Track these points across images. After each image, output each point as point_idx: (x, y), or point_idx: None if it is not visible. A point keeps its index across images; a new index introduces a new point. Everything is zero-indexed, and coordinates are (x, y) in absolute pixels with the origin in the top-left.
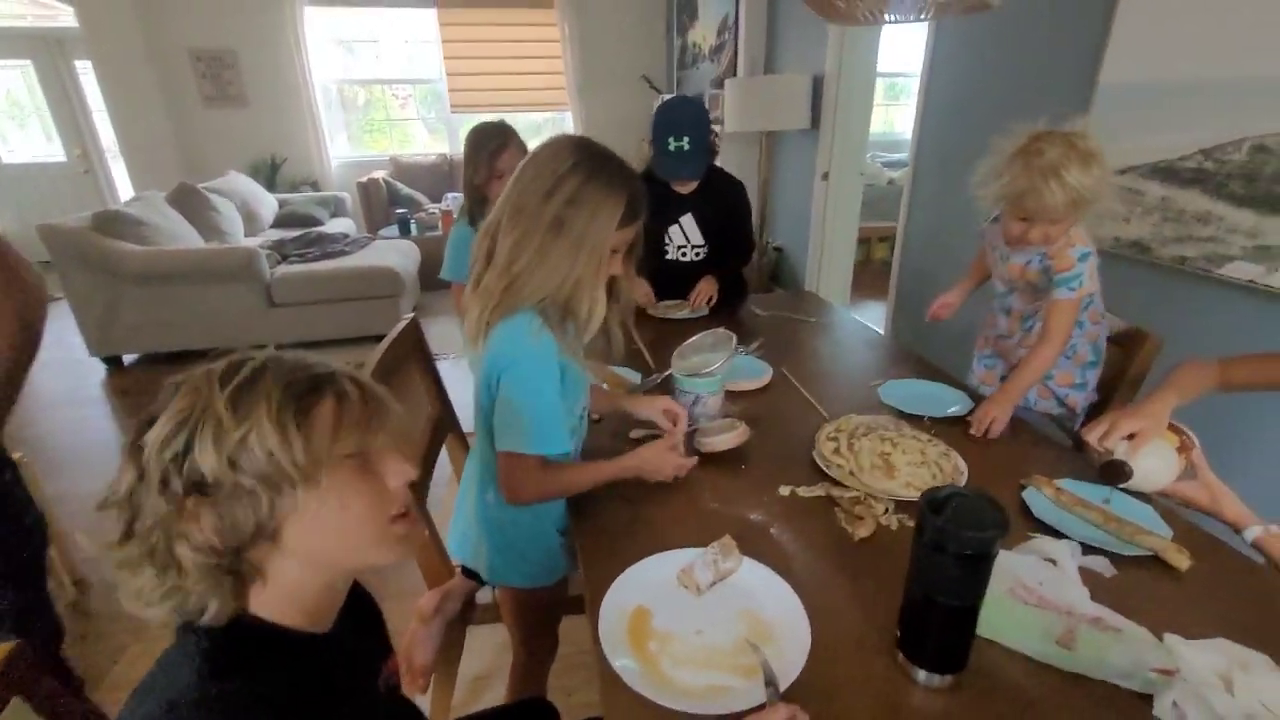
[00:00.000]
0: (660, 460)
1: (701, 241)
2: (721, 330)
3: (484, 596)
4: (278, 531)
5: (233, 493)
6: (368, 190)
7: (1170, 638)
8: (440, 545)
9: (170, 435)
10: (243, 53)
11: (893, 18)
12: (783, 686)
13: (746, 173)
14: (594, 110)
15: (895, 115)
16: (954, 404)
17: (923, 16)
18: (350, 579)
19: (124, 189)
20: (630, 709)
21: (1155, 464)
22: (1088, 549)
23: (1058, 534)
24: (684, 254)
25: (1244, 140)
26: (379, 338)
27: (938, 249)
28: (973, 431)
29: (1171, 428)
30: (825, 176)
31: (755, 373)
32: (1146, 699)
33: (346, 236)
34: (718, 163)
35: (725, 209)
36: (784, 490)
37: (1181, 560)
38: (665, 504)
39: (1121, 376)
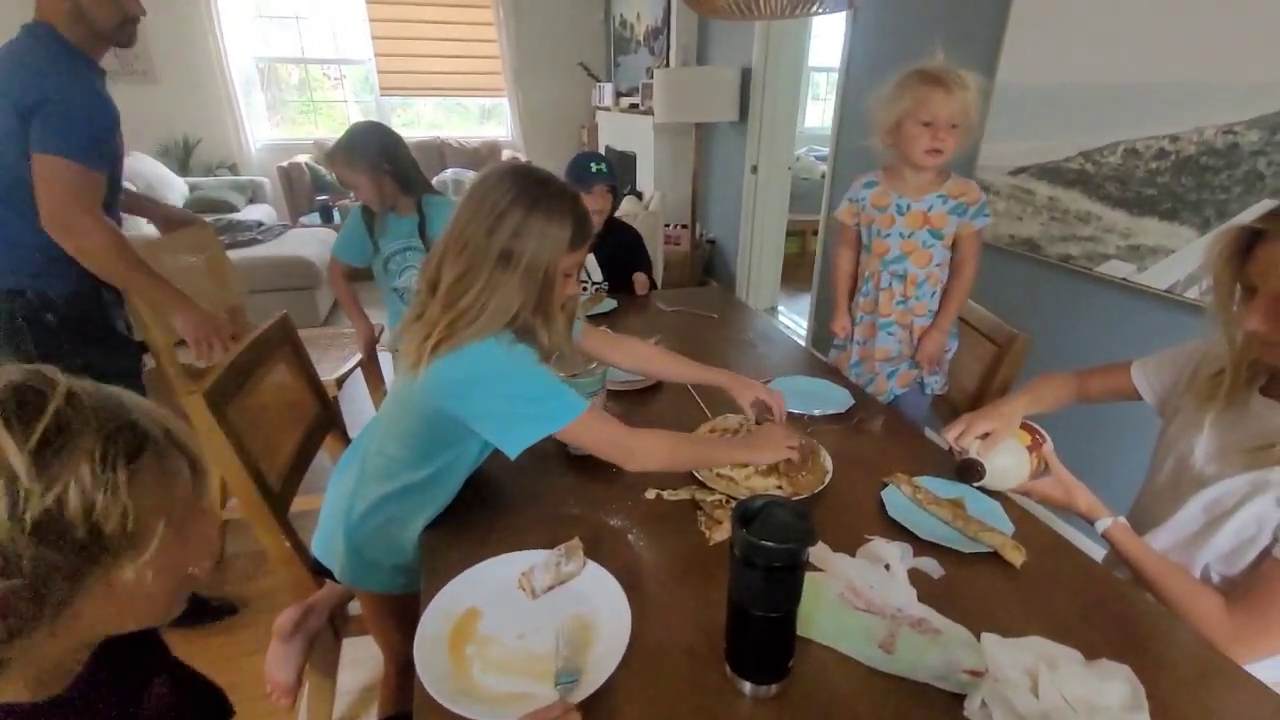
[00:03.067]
0: (770, 441)
1: (601, 279)
2: (604, 330)
3: (356, 606)
4: (63, 612)
5: (27, 568)
6: (289, 175)
7: (987, 637)
8: (307, 558)
9: None
10: (149, 23)
11: (802, 10)
12: (592, 688)
13: (678, 163)
14: (531, 97)
15: (829, 109)
16: (837, 401)
17: (821, 8)
18: None
19: None
20: (437, 710)
21: (1007, 461)
22: (925, 548)
23: (903, 529)
24: (584, 289)
25: (1118, 144)
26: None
27: None
28: (925, 369)
29: (1025, 427)
30: (755, 169)
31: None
32: (961, 699)
33: (260, 224)
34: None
35: (624, 254)
36: (650, 494)
37: (1017, 556)
38: (524, 509)
39: (994, 376)
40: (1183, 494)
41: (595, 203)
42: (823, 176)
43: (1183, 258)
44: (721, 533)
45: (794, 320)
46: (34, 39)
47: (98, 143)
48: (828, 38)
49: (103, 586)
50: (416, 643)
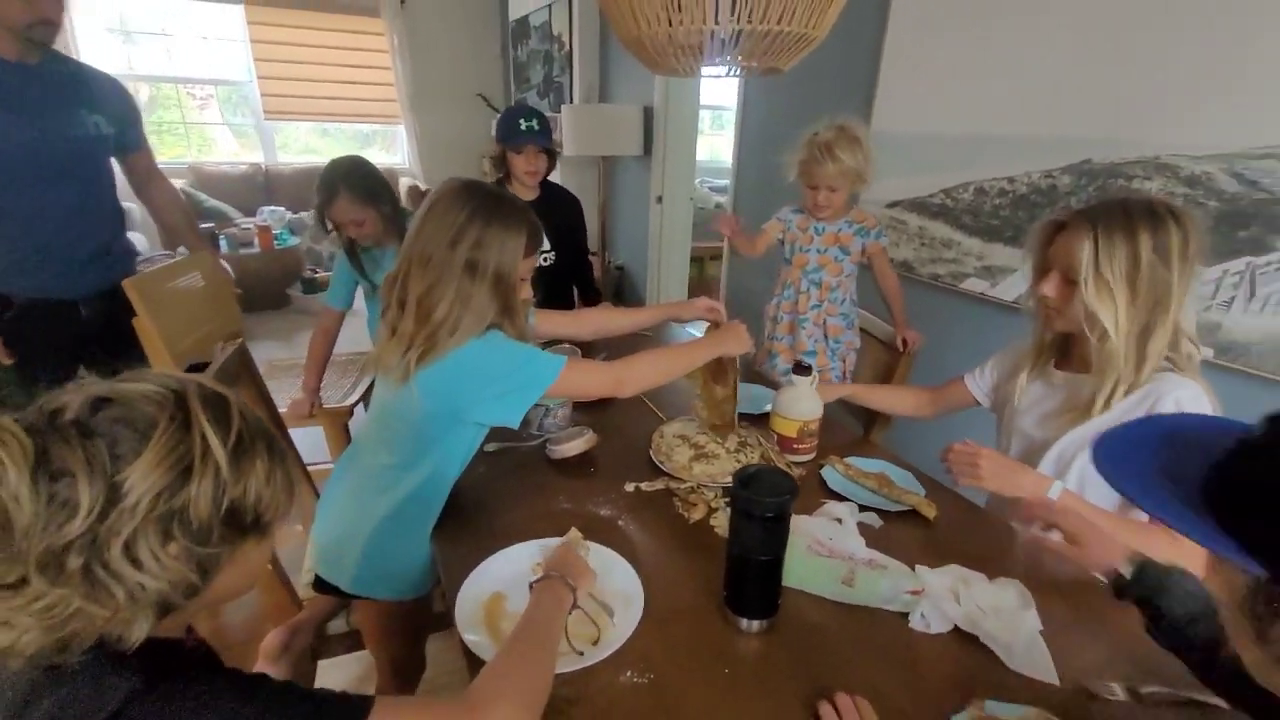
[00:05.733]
0: (733, 334)
1: (548, 247)
2: (567, 345)
3: (337, 626)
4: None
5: (215, 539)
6: None
7: (920, 568)
8: (286, 580)
9: (166, 481)
10: None
11: (705, 71)
12: (618, 645)
13: (586, 195)
14: (428, 125)
15: (719, 143)
16: (766, 401)
17: (729, 72)
18: None
19: None
20: None
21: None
22: (864, 509)
23: (844, 499)
24: (544, 259)
25: (970, 183)
26: (189, 370)
27: (759, 265)
28: (910, 348)
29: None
30: (659, 200)
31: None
32: (905, 617)
33: (137, 255)
34: (554, 179)
35: (565, 220)
36: (629, 487)
37: (930, 511)
38: (521, 506)
39: (891, 376)
40: (1034, 460)
41: (528, 163)
42: (717, 206)
43: (1023, 275)
44: (697, 513)
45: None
46: None
47: None
48: (712, 80)
49: (240, 560)
50: (458, 620)
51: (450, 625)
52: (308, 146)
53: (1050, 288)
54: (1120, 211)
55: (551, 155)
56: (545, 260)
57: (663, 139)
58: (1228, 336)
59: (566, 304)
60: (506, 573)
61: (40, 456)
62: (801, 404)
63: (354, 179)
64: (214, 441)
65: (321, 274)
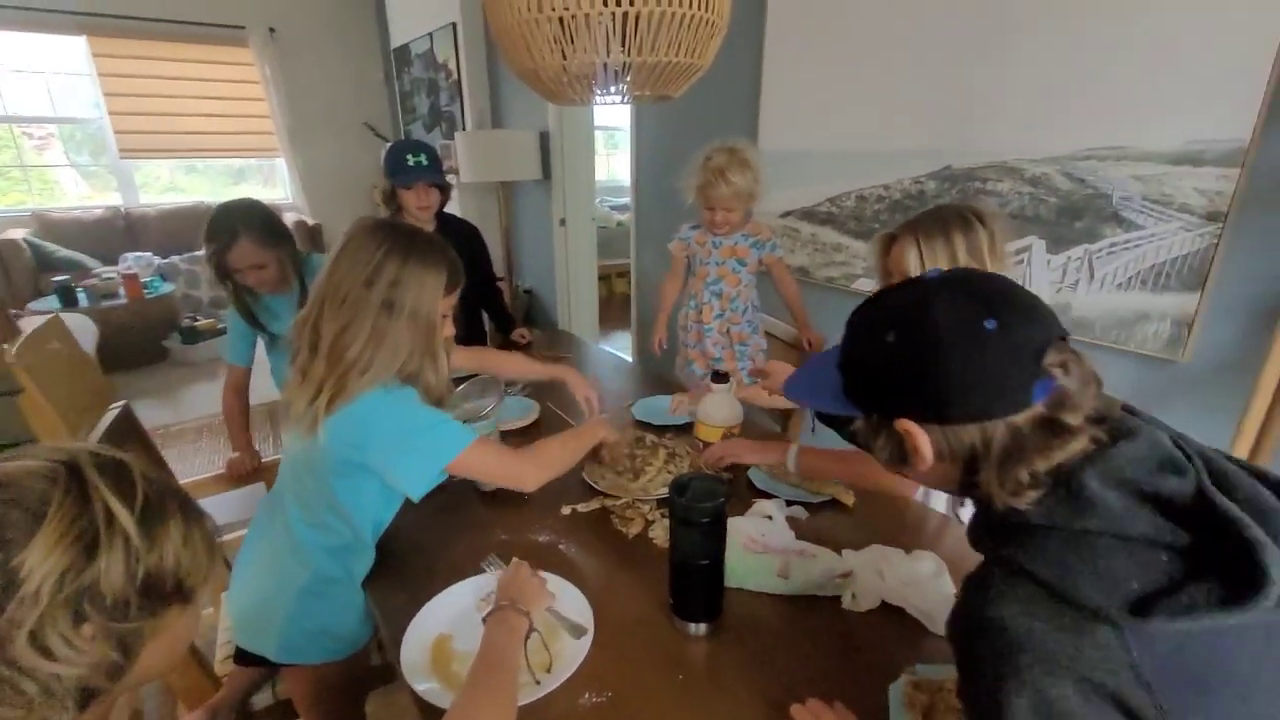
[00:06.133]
0: (591, 428)
1: None
2: (487, 376)
3: (263, 699)
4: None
5: (134, 612)
6: (1, 255)
7: (846, 552)
8: (201, 659)
9: (69, 559)
10: None
11: (598, 100)
12: (572, 669)
13: (487, 221)
14: (313, 157)
15: (615, 163)
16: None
17: (623, 100)
18: None
19: None
20: None
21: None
22: (790, 503)
23: (771, 496)
24: None
25: (851, 192)
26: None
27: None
28: (814, 348)
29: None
30: (563, 222)
31: (523, 410)
32: (838, 599)
33: None
34: (452, 208)
35: (465, 251)
36: (565, 510)
37: (849, 498)
38: (458, 544)
39: None
40: None
41: (419, 199)
42: (619, 224)
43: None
44: (635, 528)
45: (618, 353)
46: None
47: None
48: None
49: (165, 631)
50: (405, 670)
51: (391, 680)
52: (171, 185)
53: None
54: (937, 220)
55: (444, 189)
56: None
57: (561, 162)
58: (1077, 314)
59: (479, 333)
60: (451, 613)
61: None
62: (723, 410)
63: (254, 221)
64: (118, 509)
65: (203, 321)
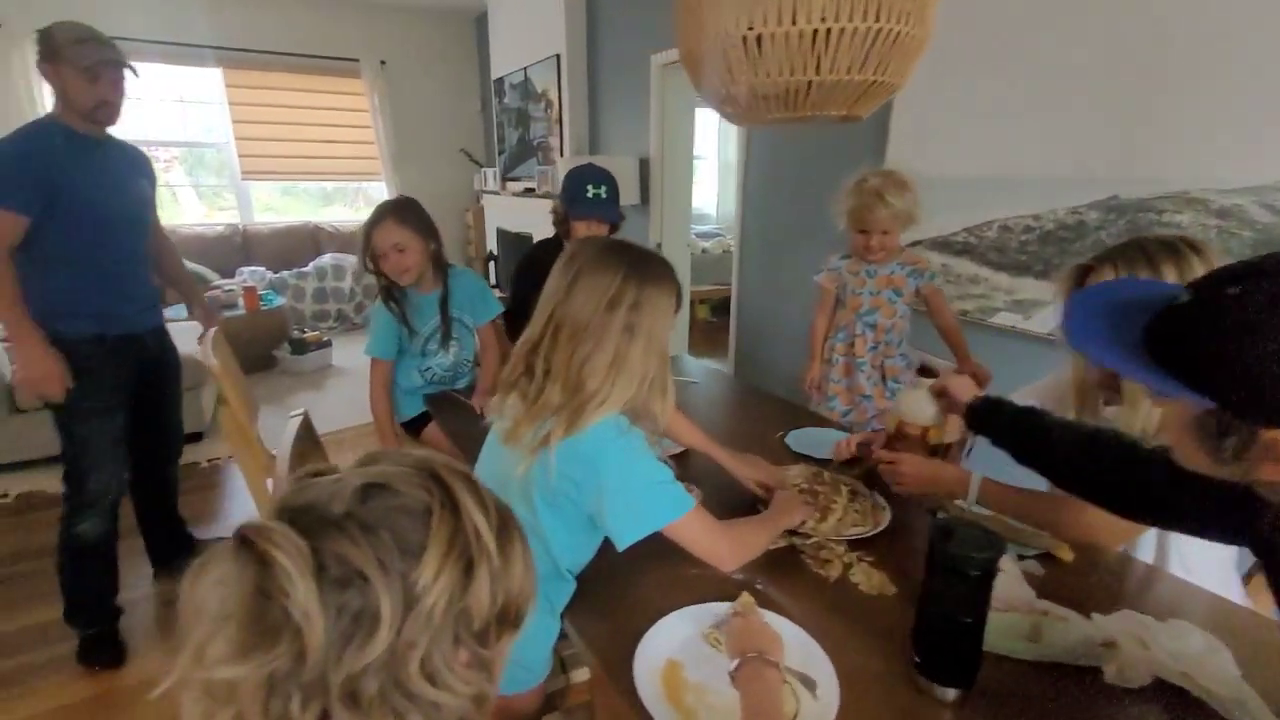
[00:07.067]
0: (790, 505)
1: None
2: None
3: None
4: None
5: (492, 639)
6: None
7: (1095, 616)
8: None
9: (455, 576)
10: None
11: (786, 119)
12: None
13: None
14: (412, 180)
15: (695, 192)
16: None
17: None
18: None
19: None
20: None
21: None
22: (1021, 555)
23: None
24: None
25: (994, 221)
26: None
27: (769, 307)
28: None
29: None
30: (659, 246)
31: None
32: (1093, 670)
33: None
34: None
35: None
36: None
37: (1066, 553)
38: (647, 577)
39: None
40: None
41: (592, 230)
42: (703, 251)
43: (1057, 308)
44: (835, 570)
45: (744, 384)
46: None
47: (16, 187)
48: (700, 131)
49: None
50: (642, 697)
51: (553, 709)
52: (269, 205)
53: None
54: (1140, 250)
55: (614, 227)
56: None
57: (660, 188)
58: None
59: None
60: (675, 641)
61: (318, 561)
62: (929, 408)
63: (401, 205)
64: (482, 527)
65: (310, 333)
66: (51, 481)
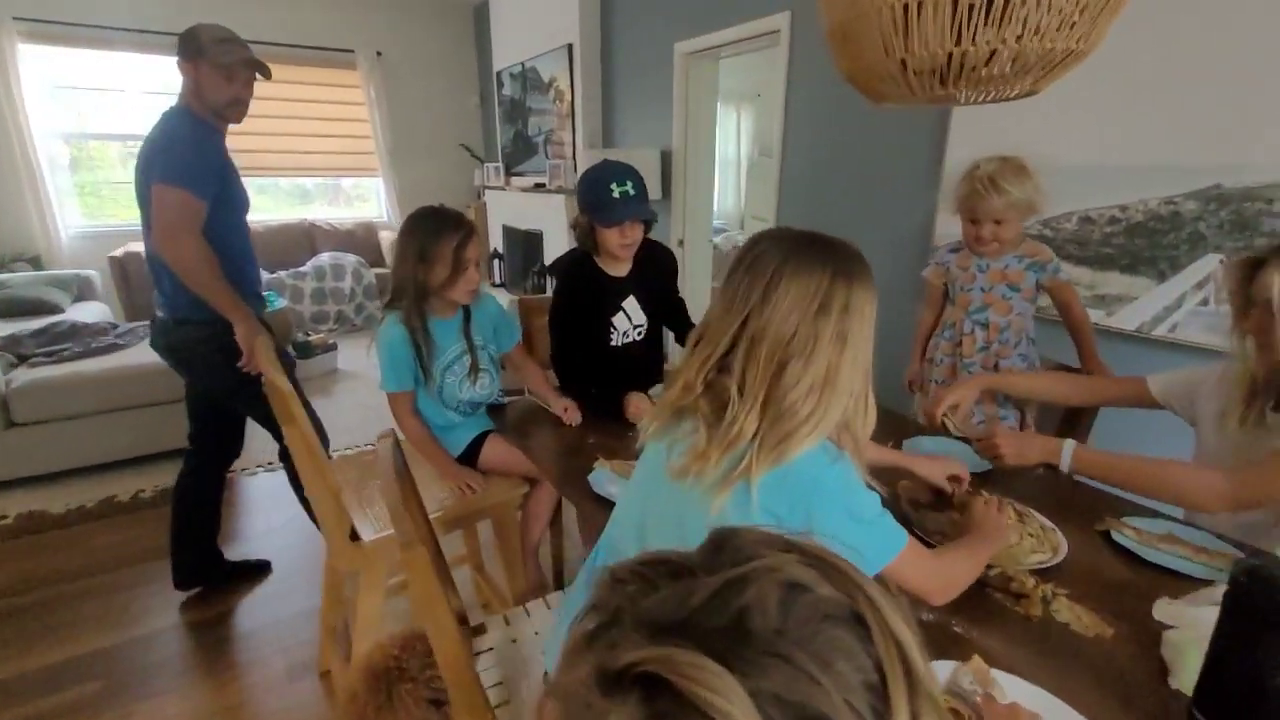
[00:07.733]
0: (994, 526)
1: (644, 320)
2: None
3: None
4: None
5: None
6: (124, 267)
7: None
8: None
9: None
10: None
11: (956, 101)
12: None
13: None
14: (409, 176)
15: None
16: (975, 459)
17: (979, 99)
18: None
19: None
20: None
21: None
22: (1180, 582)
23: (1164, 570)
24: (628, 337)
25: (1073, 213)
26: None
27: None
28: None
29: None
30: (681, 243)
31: None
32: None
33: (115, 326)
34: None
35: (663, 280)
36: None
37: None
38: None
39: (1080, 420)
40: None
41: (624, 236)
42: (715, 248)
43: (1145, 303)
44: (1035, 607)
45: None
46: (169, 116)
47: (202, 175)
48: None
49: None
50: None
51: None
52: (255, 204)
53: (1251, 325)
54: None
55: (648, 226)
56: (634, 336)
57: (682, 182)
58: None
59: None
60: None
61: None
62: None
63: (469, 220)
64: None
65: (315, 336)
66: (54, 501)
